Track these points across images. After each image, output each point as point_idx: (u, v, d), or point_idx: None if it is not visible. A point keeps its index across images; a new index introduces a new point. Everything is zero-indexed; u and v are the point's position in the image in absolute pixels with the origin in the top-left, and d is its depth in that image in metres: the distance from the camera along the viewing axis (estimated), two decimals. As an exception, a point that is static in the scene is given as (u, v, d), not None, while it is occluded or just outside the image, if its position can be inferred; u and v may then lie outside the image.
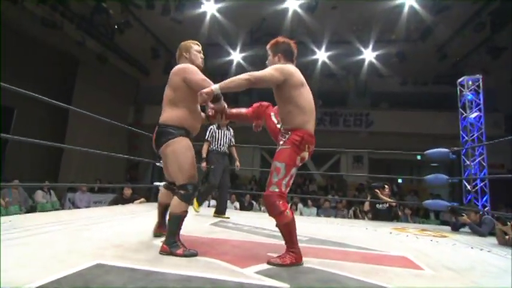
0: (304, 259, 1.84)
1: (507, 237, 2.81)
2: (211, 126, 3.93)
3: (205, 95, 1.74)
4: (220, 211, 3.79)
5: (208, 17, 7.90)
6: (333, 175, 10.77)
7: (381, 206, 4.74)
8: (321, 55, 9.45)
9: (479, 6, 7.02)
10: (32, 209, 5.81)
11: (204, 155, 3.81)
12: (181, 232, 2.40)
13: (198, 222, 3.19)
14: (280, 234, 2.69)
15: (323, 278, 1.50)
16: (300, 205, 6.74)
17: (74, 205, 7.00)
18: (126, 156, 8.77)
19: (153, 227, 2.26)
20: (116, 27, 8.06)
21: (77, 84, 9.32)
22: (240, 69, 10.47)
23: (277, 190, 1.74)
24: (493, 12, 6.93)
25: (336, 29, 8.43)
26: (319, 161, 11.03)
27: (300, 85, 1.84)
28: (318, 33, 8.54)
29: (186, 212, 1.86)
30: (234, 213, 4.65)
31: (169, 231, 1.82)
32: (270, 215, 1.79)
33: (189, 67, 1.93)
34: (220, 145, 3.85)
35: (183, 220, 1.86)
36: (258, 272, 1.52)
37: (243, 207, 6.56)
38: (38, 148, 8.13)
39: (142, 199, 4.79)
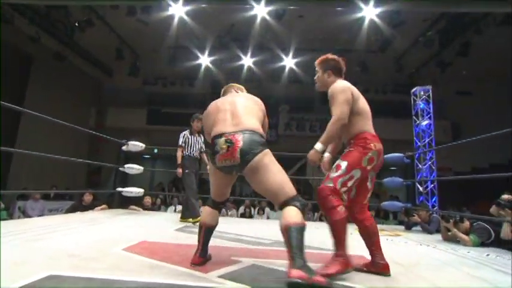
0: (266, 261, 1.90)
1: (449, 233, 3.10)
2: (184, 132, 3.93)
3: (313, 158, 1.81)
4: (188, 216, 3.74)
5: (176, 19, 7.80)
6: (299, 179, 11.02)
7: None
8: (288, 62, 9.70)
9: (429, 24, 7.66)
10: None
11: (179, 160, 3.81)
12: (144, 238, 2.37)
13: (163, 228, 3.14)
14: (244, 237, 2.74)
15: (284, 279, 1.55)
16: (267, 209, 6.82)
17: (25, 214, 6.45)
18: (86, 161, 8.31)
19: (193, 257, 1.75)
20: (76, 24, 7.64)
21: (30, 83, 8.60)
22: (208, 73, 10.44)
23: (331, 185, 1.68)
24: (440, 30, 7.61)
25: (303, 37, 8.72)
26: (286, 165, 11.18)
27: (357, 98, 1.85)
28: (285, 40, 8.77)
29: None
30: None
31: (297, 248, 1.38)
32: (322, 209, 1.74)
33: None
34: (193, 151, 3.88)
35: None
36: (220, 276, 1.54)
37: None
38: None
39: (103, 206, 4.58)
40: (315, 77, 2.03)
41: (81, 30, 7.64)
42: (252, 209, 6.80)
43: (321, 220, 6.01)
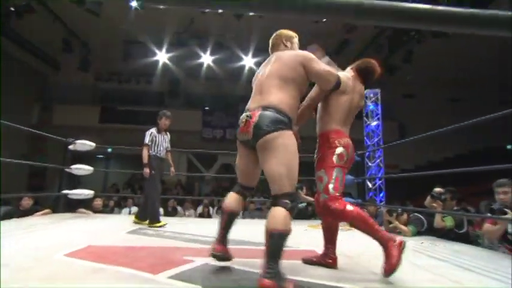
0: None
1: (391, 225, 3.35)
2: (151, 130, 3.73)
3: None
4: (143, 218, 3.56)
5: (129, 12, 7.44)
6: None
7: (299, 205, 5.12)
8: (248, 61, 9.75)
9: (378, 31, 8.21)
10: None
11: (145, 160, 3.58)
12: (91, 242, 2.23)
13: (113, 231, 2.98)
14: (199, 237, 2.71)
15: (235, 277, 1.56)
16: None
17: None
18: (26, 162, 7.63)
19: (211, 246, 1.71)
20: (12, 10, 6.88)
21: None
22: (166, 70, 10.14)
23: (327, 196, 1.69)
24: (388, 37, 8.20)
25: (262, 36, 8.81)
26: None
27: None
28: (245, 39, 8.80)
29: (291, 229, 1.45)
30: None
31: (271, 256, 1.37)
32: (339, 220, 1.79)
33: (311, 55, 1.68)
34: (160, 150, 3.69)
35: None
36: (171, 277, 1.50)
37: (166, 213, 6.32)
38: None
39: (46, 210, 4.22)
40: None
41: (19, 16, 6.92)
42: (211, 209, 6.73)
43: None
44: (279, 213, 1.42)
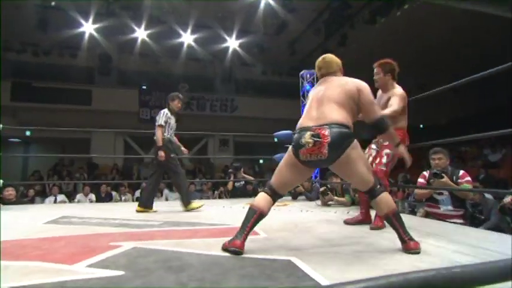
0: (150, 242, 1.81)
1: (325, 197, 3.59)
2: (165, 111, 3.38)
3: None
4: (147, 205, 3.27)
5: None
6: (201, 158, 11.00)
7: (238, 184, 5.19)
8: (187, 38, 9.28)
9: (316, 15, 8.45)
10: None
11: (160, 142, 3.24)
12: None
13: (27, 223, 2.64)
14: (131, 222, 2.57)
15: (163, 258, 1.50)
16: (165, 191, 6.59)
17: None
18: None
19: (233, 241, 1.59)
20: None
21: None
22: (95, 43, 9.14)
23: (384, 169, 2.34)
24: (325, 21, 8.50)
25: (201, 13, 8.41)
26: (187, 145, 10.99)
27: None
28: (183, 14, 8.32)
29: None
30: (87, 206, 4.12)
31: (402, 226, 1.64)
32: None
33: (367, 87, 1.79)
34: (172, 132, 3.44)
35: None
36: (90, 265, 1.39)
37: (99, 199, 5.88)
38: None
39: None
40: (375, 77, 2.50)
41: None
42: (150, 192, 6.45)
43: (220, 197, 6.15)
44: (385, 198, 1.66)
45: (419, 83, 9.48)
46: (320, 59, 1.91)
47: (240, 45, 9.87)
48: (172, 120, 3.48)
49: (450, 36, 9.02)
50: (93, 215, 3.05)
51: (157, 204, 3.56)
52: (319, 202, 3.84)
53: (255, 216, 1.65)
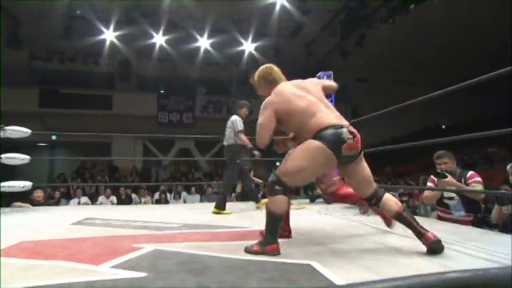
0: (171, 244, 1.84)
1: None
2: (237, 117, 3.57)
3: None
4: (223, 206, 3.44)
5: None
6: (217, 161, 11.09)
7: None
8: (204, 42, 9.43)
9: (332, 15, 8.38)
10: None
11: (250, 144, 3.49)
12: (24, 239, 2.04)
13: (54, 224, 2.75)
14: (152, 224, 2.62)
15: (184, 260, 1.52)
16: (183, 193, 6.68)
17: None
18: None
19: (278, 247, 1.66)
20: None
21: None
22: (115, 50, 9.43)
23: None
24: (341, 22, 8.41)
25: (218, 17, 8.54)
26: (204, 148, 11.16)
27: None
28: (199, 19, 8.46)
29: None
30: (109, 208, 4.24)
31: (415, 221, 1.65)
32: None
33: None
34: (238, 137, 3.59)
35: None
36: (114, 266, 1.43)
37: (120, 201, 6.05)
38: None
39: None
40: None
41: None
42: (168, 194, 6.57)
43: (237, 200, 6.17)
44: (390, 196, 1.71)
45: (446, 82, 9.21)
46: (267, 66, 1.99)
47: (256, 48, 9.92)
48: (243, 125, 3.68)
49: (470, 34, 8.72)
50: (115, 216, 3.13)
51: (177, 207, 3.61)
52: (337, 205, 3.78)
53: (280, 220, 1.71)
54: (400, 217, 1.66)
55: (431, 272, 0.79)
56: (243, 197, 5.33)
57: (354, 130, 1.66)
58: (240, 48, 9.89)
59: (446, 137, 2.64)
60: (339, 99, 6.90)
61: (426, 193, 2.96)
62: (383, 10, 8.00)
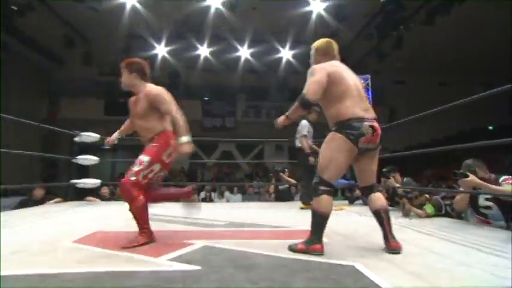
0: (219, 241, 1.88)
1: (406, 207, 3.00)
2: (306, 123, 3.70)
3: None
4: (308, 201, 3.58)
5: (128, 8, 7.25)
6: (257, 163, 11.17)
7: (282, 187, 5.15)
8: (244, 52, 9.58)
9: (369, 19, 8.04)
10: None
11: (309, 150, 3.64)
12: (97, 229, 2.22)
13: (118, 217, 2.96)
14: (200, 221, 2.70)
15: (233, 257, 1.55)
16: (226, 193, 6.80)
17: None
18: (28, 152, 7.58)
19: (319, 247, 1.62)
20: (14, 8, 6.70)
21: None
22: (166, 63, 9.96)
23: (133, 179, 1.80)
24: (378, 25, 8.03)
25: (257, 28, 8.63)
26: (245, 150, 11.31)
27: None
28: (240, 31, 8.62)
29: None
30: (161, 205, 4.46)
31: (390, 226, 1.71)
32: (125, 200, 1.83)
33: None
34: (311, 140, 3.77)
35: None
36: (171, 259, 1.49)
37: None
38: None
39: (57, 199, 4.22)
40: (122, 78, 2.02)
41: (21, 14, 6.75)
42: (213, 194, 6.74)
43: (276, 200, 6.15)
44: (380, 195, 1.75)
45: (488, 82, 8.37)
46: (327, 40, 1.91)
47: (293, 56, 9.85)
48: (311, 129, 3.74)
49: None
50: (167, 213, 3.27)
51: (221, 205, 3.69)
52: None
53: (325, 221, 1.67)
54: (376, 214, 1.70)
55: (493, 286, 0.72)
56: (278, 198, 5.30)
57: (376, 124, 1.67)
58: (278, 55, 9.89)
59: (494, 140, 2.36)
60: (376, 101, 6.64)
61: (456, 199, 2.67)
62: (422, 11, 7.49)
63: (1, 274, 1.24)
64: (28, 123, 3.57)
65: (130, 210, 1.81)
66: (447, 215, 2.93)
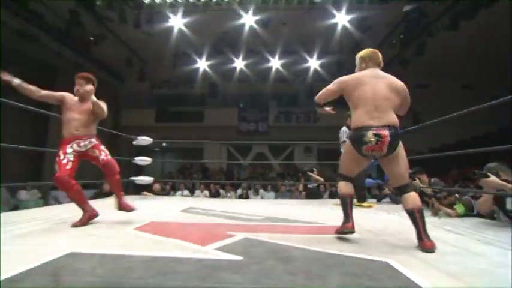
0: (258, 234, 1.87)
1: (434, 206, 2.81)
2: (345, 129, 3.71)
3: None
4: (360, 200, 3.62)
5: (175, 30, 7.61)
6: (288, 164, 11.06)
7: (311, 185, 5.00)
8: (275, 63, 9.57)
9: (391, 29, 7.63)
10: (15, 208, 5.27)
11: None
12: (153, 219, 2.33)
13: (170, 210, 3.09)
14: (240, 215, 2.72)
15: (272, 249, 1.53)
16: (261, 190, 6.82)
17: (58, 202, 6.45)
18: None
19: (346, 226, 1.70)
20: (91, 39, 7.44)
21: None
22: (206, 75, 10.28)
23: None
24: (400, 33, 7.58)
25: (287, 41, 8.58)
26: (277, 152, 11.28)
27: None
28: (272, 44, 8.63)
29: None
30: (204, 200, 4.59)
31: (424, 225, 1.55)
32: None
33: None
34: None
35: None
36: (217, 249, 1.51)
37: (211, 195, 6.50)
38: (21, 152, 7.43)
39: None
40: (77, 87, 2.30)
41: (96, 43, 7.47)
42: (249, 191, 6.79)
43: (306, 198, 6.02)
44: (414, 195, 1.62)
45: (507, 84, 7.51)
46: (366, 50, 1.87)
47: (320, 65, 9.65)
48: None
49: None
50: (210, 207, 3.36)
51: (257, 202, 3.68)
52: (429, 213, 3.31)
53: (349, 201, 1.74)
54: (409, 213, 1.60)
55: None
56: (308, 196, 5.17)
57: (383, 132, 1.58)
58: (306, 65, 9.74)
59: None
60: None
61: (480, 202, 2.42)
62: (445, 17, 6.93)
63: (80, 251, 1.34)
64: (101, 129, 3.88)
65: (69, 196, 2.13)
66: (478, 215, 2.65)
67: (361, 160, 1.74)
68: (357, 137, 1.64)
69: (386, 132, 1.57)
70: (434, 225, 2.24)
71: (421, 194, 3.28)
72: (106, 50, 8.29)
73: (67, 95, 2.28)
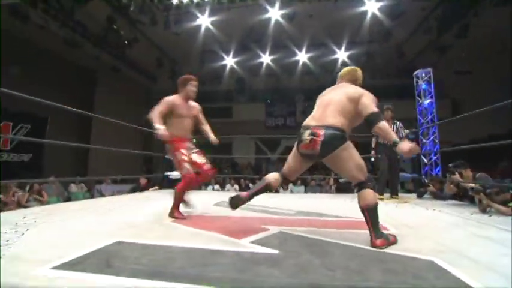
0: (291, 228, 1.87)
1: (484, 202, 2.58)
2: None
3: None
4: (393, 193, 3.69)
5: (203, 28, 7.73)
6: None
7: (342, 180, 4.84)
8: (302, 56, 9.35)
9: (427, 13, 7.02)
10: (67, 199, 5.84)
11: (373, 146, 3.95)
12: (188, 212, 2.42)
13: (203, 203, 3.18)
14: (272, 209, 2.72)
15: (306, 243, 1.51)
16: (290, 184, 6.77)
17: (101, 194, 7.03)
18: (134, 151, 8.79)
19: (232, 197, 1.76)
20: (126, 42, 7.86)
21: (96, 93, 9.43)
22: (233, 72, 10.36)
23: None
24: (438, 18, 6.95)
25: (313, 33, 8.32)
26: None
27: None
28: (298, 37, 8.42)
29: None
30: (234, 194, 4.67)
31: (374, 223, 1.50)
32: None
33: (368, 94, 1.68)
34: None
35: None
36: (252, 242, 1.53)
37: (241, 189, 6.59)
38: (69, 149, 8.18)
39: (156, 187, 4.76)
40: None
41: (130, 46, 7.87)
42: (277, 185, 6.77)
43: (336, 191, 5.87)
44: (367, 193, 1.53)
45: None
46: (344, 69, 1.91)
47: (349, 56, 9.23)
48: (392, 128, 3.76)
49: None
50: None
51: (287, 196, 3.65)
52: (447, 202, 3.12)
53: (262, 186, 1.77)
54: (363, 211, 1.53)
55: None
56: (338, 190, 5.04)
57: (317, 131, 1.55)
58: (334, 57, 9.38)
59: None
60: (438, 95, 5.75)
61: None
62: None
63: (125, 241, 1.43)
64: (134, 127, 4.11)
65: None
66: None
67: (300, 162, 1.72)
68: (298, 135, 1.66)
69: (321, 132, 1.55)
70: (484, 223, 2.06)
71: (463, 189, 3.04)
72: (139, 52, 8.70)
73: (173, 99, 2.56)
